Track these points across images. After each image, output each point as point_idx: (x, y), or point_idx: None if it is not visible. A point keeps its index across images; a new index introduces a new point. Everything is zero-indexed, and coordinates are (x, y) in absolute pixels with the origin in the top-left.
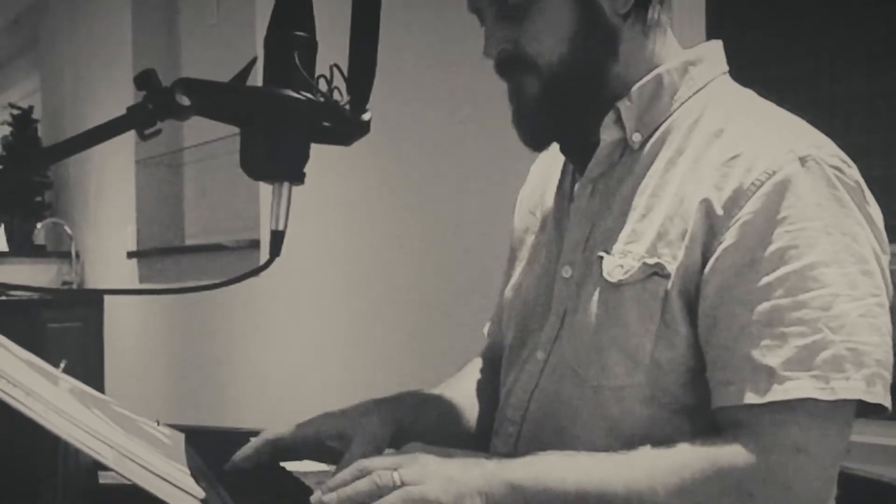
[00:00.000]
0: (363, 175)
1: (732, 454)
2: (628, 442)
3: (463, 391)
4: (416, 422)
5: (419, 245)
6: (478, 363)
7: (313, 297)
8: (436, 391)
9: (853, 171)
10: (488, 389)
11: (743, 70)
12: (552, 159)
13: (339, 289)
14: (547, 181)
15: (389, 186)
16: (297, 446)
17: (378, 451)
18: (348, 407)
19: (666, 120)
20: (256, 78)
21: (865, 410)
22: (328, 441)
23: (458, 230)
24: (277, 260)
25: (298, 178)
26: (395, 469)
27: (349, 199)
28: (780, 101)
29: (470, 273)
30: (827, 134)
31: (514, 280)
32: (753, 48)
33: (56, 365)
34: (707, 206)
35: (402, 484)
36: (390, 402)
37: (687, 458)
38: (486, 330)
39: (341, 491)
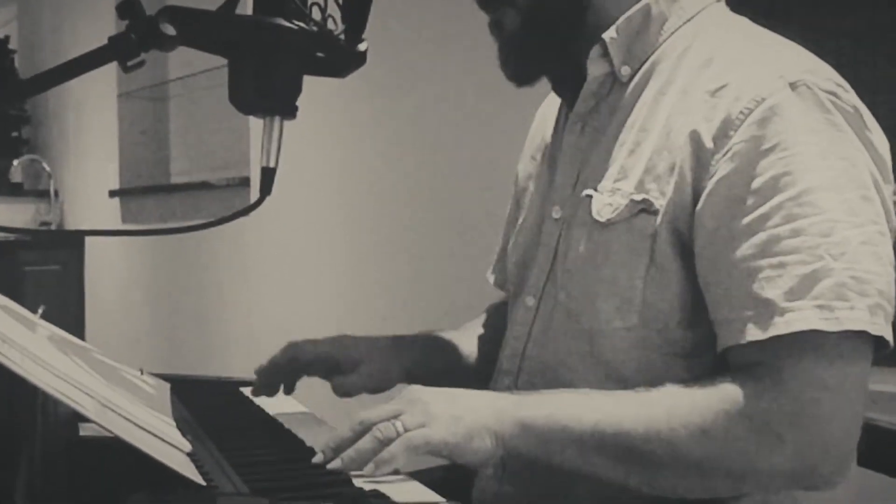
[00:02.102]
0: (359, 109)
1: (752, 392)
2: (625, 387)
3: (473, 341)
4: (425, 366)
5: (418, 183)
6: (492, 312)
7: (307, 238)
8: (450, 338)
9: (850, 96)
10: (498, 343)
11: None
12: (552, 102)
13: (335, 230)
14: (547, 124)
15: (386, 121)
16: (313, 362)
17: (384, 385)
18: (369, 336)
19: (655, 51)
20: (246, 6)
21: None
22: (342, 362)
23: (457, 168)
24: (268, 199)
25: (290, 112)
26: (397, 417)
27: (344, 134)
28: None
29: (469, 213)
30: (852, 67)
31: (517, 228)
32: None
33: (34, 310)
34: (695, 138)
35: (406, 431)
36: (404, 341)
37: (708, 399)
38: (490, 277)
39: (346, 455)
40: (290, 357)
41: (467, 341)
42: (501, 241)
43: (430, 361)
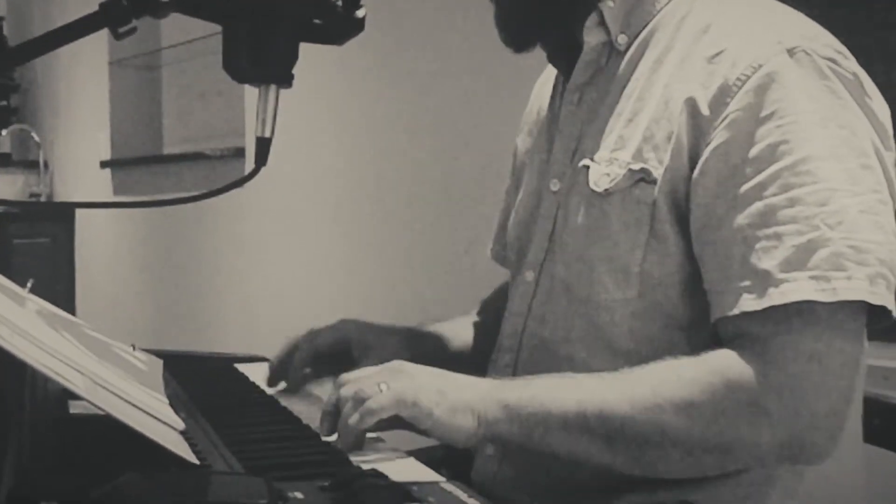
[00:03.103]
0: (356, 77)
1: (740, 366)
2: (626, 361)
3: (471, 334)
4: (432, 355)
5: (417, 153)
6: (485, 307)
7: (303, 210)
8: (454, 332)
9: (850, 63)
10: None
11: None
12: (549, 74)
13: (332, 201)
14: (543, 97)
15: (386, 89)
16: (330, 350)
17: None
18: (377, 323)
19: (653, 19)
20: None
21: (870, 321)
22: (353, 350)
23: (458, 137)
24: (264, 170)
25: (286, 80)
26: (383, 382)
27: (341, 102)
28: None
29: (470, 184)
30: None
31: (517, 203)
32: None
33: (22, 284)
34: (692, 105)
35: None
36: (415, 332)
37: (695, 373)
38: (489, 252)
39: (343, 440)
40: (309, 348)
41: (466, 334)
42: (500, 215)
43: (438, 354)
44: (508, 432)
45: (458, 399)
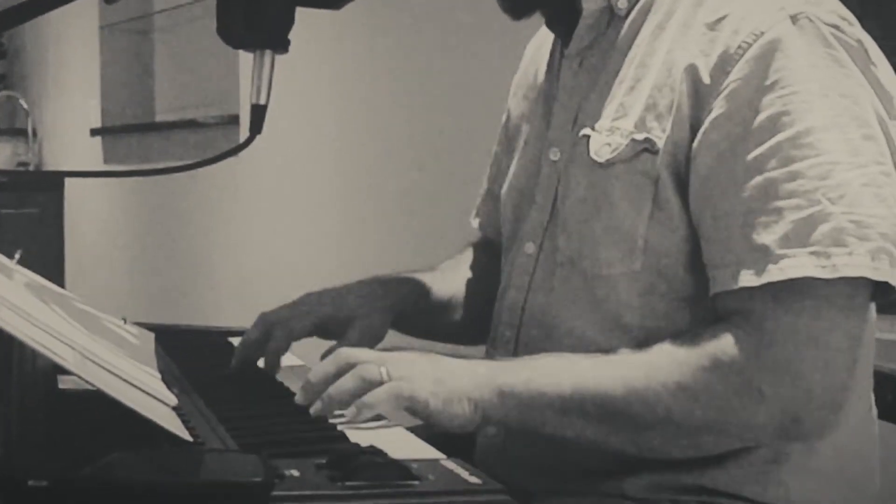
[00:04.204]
0: (354, 42)
1: (733, 346)
2: (630, 335)
3: (458, 284)
4: (413, 312)
5: (416, 120)
6: (471, 256)
7: (299, 178)
8: (435, 281)
9: (855, 30)
10: (482, 285)
11: None
12: (544, 38)
13: (327, 169)
14: (539, 63)
15: (383, 54)
16: (307, 335)
17: (381, 336)
18: (350, 286)
19: None
20: None
21: (874, 295)
22: (331, 325)
23: (458, 103)
24: (259, 138)
25: (282, 45)
26: (382, 365)
27: (338, 69)
28: None
29: (465, 151)
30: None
31: (511, 170)
32: None
33: (10, 256)
34: (693, 73)
35: (391, 379)
36: (390, 287)
37: (688, 355)
38: (474, 221)
39: (326, 395)
40: (285, 336)
41: (452, 282)
42: (486, 183)
43: (418, 303)
44: (505, 417)
45: (454, 387)
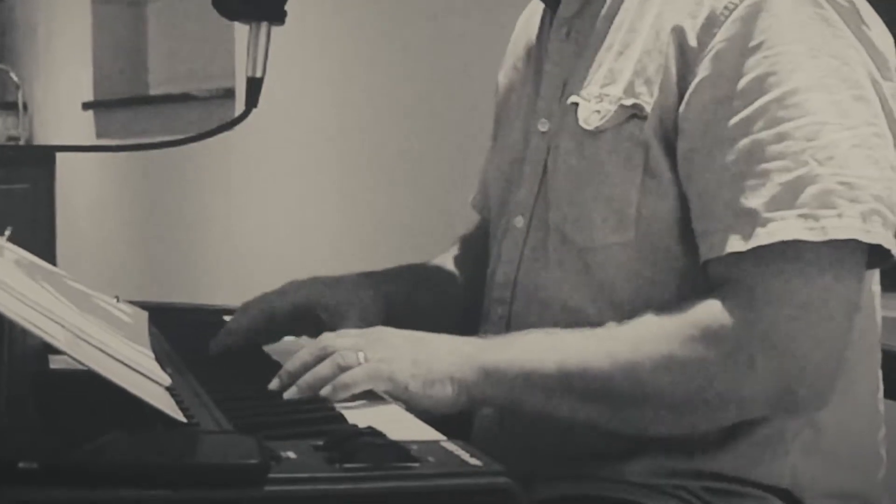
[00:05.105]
0: (352, 13)
1: (722, 314)
2: (622, 307)
3: (454, 272)
4: (409, 302)
5: (415, 93)
6: (468, 240)
7: (295, 153)
8: (430, 269)
9: None
10: (479, 269)
11: None
12: (535, 9)
13: (325, 144)
14: (530, 33)
15: (382, 25)
16: (289, 317)
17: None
18: (341, 276)
19: None
20: None
21: (872, 262)
22: (320, 313)
23: (455, 76)
24: (255, 112)
25: (278, 17)
26: (360, 350)
27: (336, 40)
28: None
29: (467, 123)
30: None
31: (499, 143)
32: None
33: (0, 232)
34: (680, 35)
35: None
36: (385, 278)
37: (676, 327)
38: (472, 201)
39: (302, 381)
40: (264, 320)
41: (449, 273)
42: (485, 164)
43: (413, 297)
44: (491, 396)
45: (435, 369)
